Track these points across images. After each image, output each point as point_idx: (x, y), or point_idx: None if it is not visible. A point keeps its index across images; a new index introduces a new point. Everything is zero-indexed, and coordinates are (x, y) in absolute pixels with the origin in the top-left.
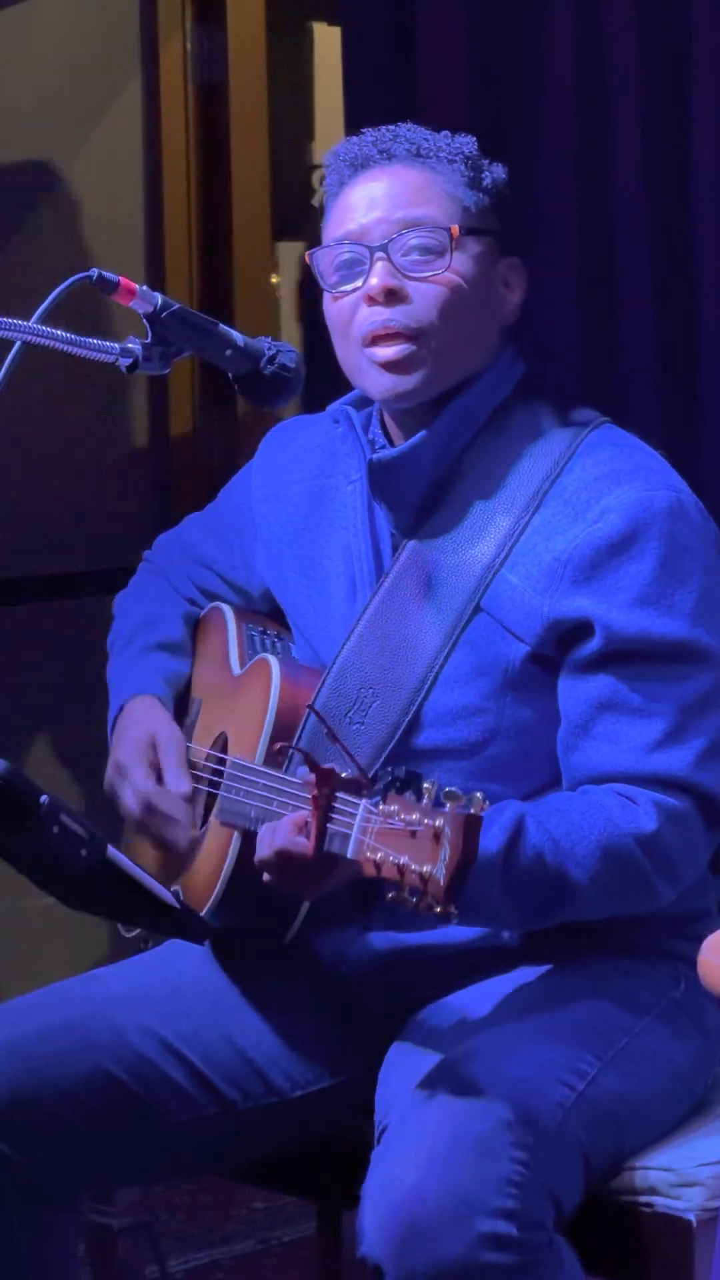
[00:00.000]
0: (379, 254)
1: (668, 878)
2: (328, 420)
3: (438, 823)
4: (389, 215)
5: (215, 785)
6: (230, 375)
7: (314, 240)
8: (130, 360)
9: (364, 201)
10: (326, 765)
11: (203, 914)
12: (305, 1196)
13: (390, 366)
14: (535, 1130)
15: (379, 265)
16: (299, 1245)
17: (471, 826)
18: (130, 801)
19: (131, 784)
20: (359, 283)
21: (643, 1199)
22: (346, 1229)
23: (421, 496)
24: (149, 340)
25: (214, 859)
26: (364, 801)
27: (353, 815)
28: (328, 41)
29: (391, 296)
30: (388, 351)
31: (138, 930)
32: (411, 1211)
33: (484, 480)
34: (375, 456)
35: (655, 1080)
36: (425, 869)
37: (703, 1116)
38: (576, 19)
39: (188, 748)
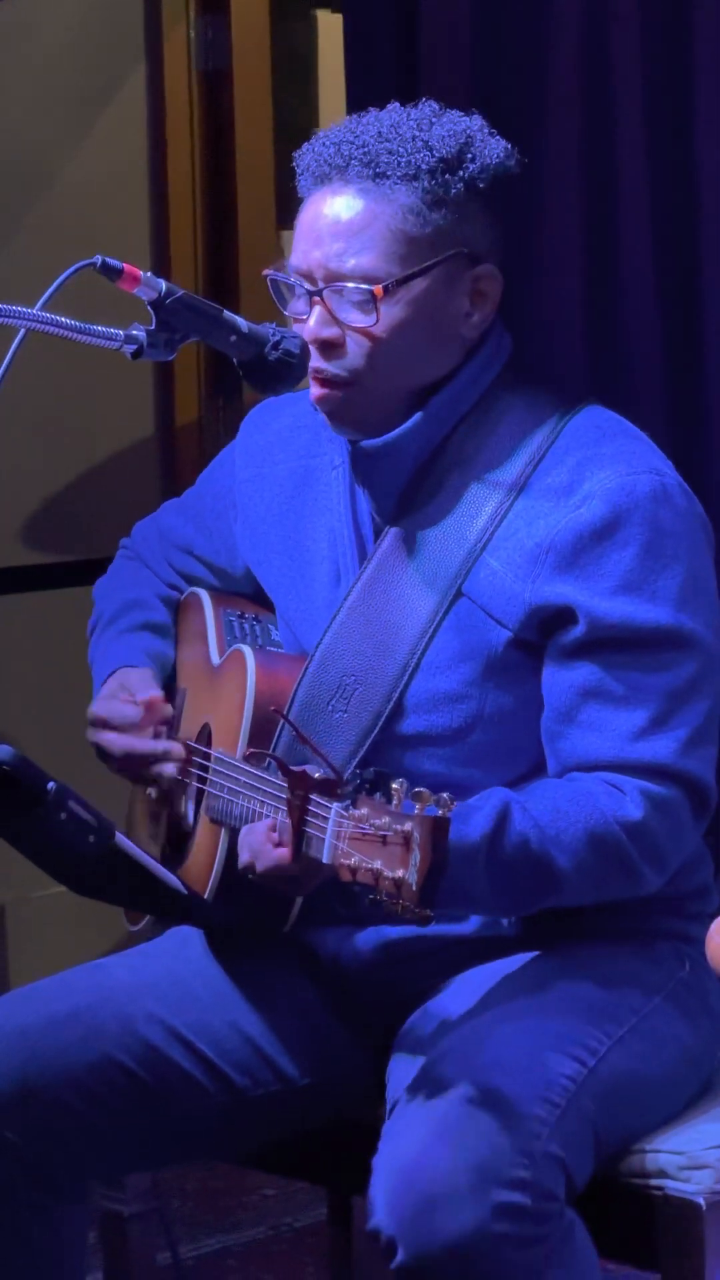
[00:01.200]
0: (315, 297)
1: (654, 865)
2: (310, 400)
3: (406, 827)
4: (325, 260)
5: (203, 780)
6: (235, 361)
7: None
8: (135, 347)
9: (311, 232)
10: (300, 768)
11: None
12: (316, 1182)
13: (322, 404)
14: (546, 1102)
15: (316, 309)
16: (310, 1231)
17: (439, 829)
18: (112, 741)
19: (110, 723)
20: (304, 318)
21: (652, 1182)
22: (357, 1214)
23: (405, 483)
24: (153, 326)
25: (206, 854)
26: (335, 806)
27: (326, 819)
28: (331, 28)
29: (325, 347)
30: (319, 393)
31: (142, 925)
32: (423, 1183)
33: (468, 465)
34: (362, 444)
35: (664, 1061)
36: (398, 874)
37: (711, 1099)
38: (580, 6)
39: (174, 738)
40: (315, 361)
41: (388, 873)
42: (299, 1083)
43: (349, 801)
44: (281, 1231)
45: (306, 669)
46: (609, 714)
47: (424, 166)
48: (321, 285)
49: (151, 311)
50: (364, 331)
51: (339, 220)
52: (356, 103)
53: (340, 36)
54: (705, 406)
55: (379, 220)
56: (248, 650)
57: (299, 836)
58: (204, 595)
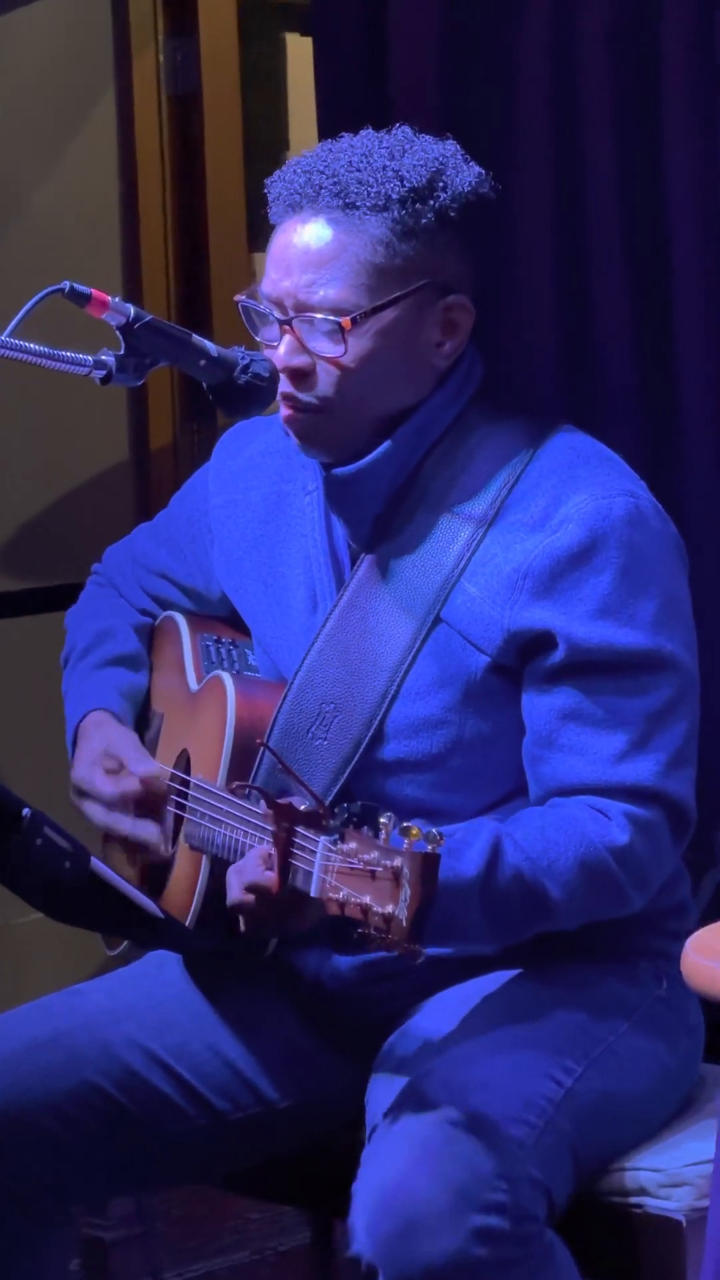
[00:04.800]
0: (285, 326)
1: (639, 887)
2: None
3: (396, 863)
4: (295, 289)
5: (181, 808)
6: (204, 385)
7: None
8: (104, 372)
9: (282, 260)
10: (285, 799)
11: None
12: (298, 1206)
13: (291, 427)
14: (524, 1126)
15: (286, 338)
16: (294, 1255)
17: (429, 865)
18: (95, 812)
19: (94, 795)
20: (276, 345)
21: (633, 1200)
22: (340, 1238)
23: (379, 510)
24: (122, 352)
25: (186, 883)
26: (323, 839)
27: (313, 852)
28: (301, 51)
29: (295, 375)
30: (289, 415)
31: (121, 949)
32: (403, 1208)
33: (442, 490)
34: (335, 472)
35: (642, 1079)
36: (387, 909)
37: (690, 1116)
38: (550, 27)
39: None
40: (285, 387)
41: (377, 908)
42: (279, 1105)
43: (337, 835)
44: (265, 1256)
45: (286, 696)
46: (590, 737)
47: (394, 196)
48: (291, 314)
49: (120, 337)
50: (333, 361)
51: (309, 250)
52: (327, 125)
53: (310, 59)
54: (679, 428)
55: (348, 251)
56: (227, 677)
57: (285, 869)
58: (180, 620)
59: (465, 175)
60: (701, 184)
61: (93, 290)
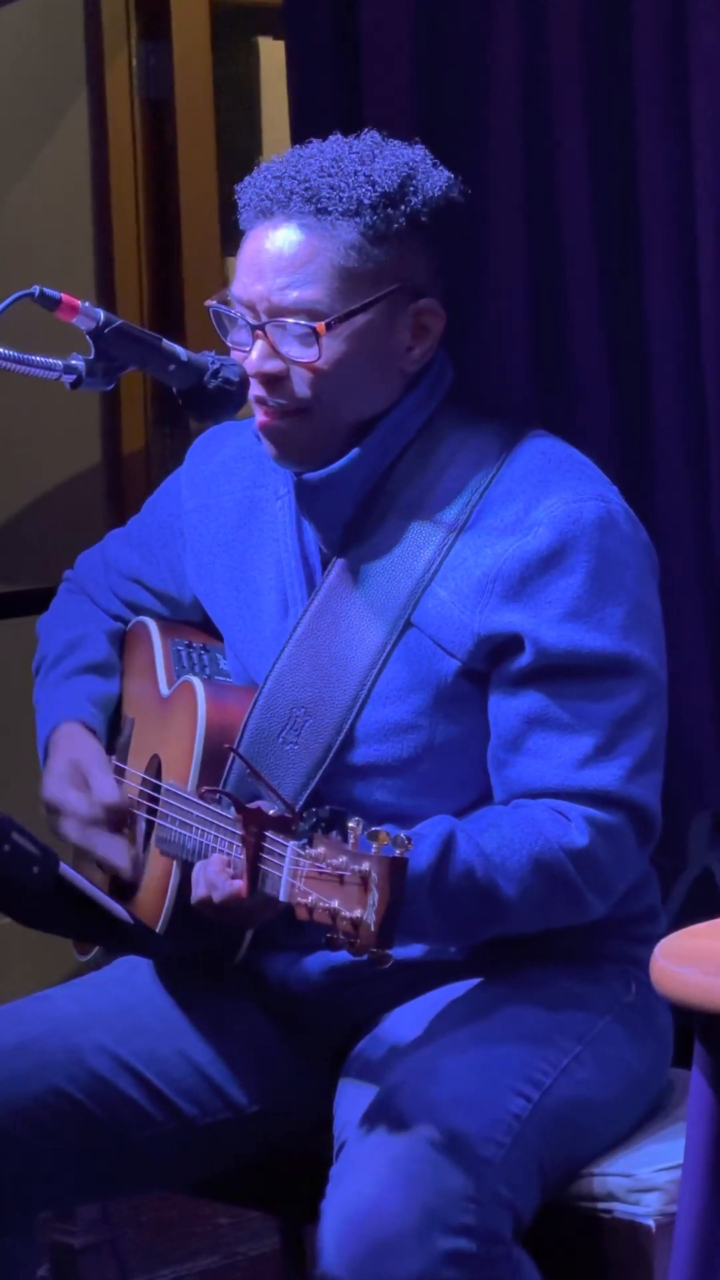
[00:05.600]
0: (258, 331)
1: (599, 891)
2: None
3: (364, 867)
4: (268, 293)
5: (153, 812)
6: (174, 390)
7: None
8: (74, 377)
9: (254, 265)
10: (254, 804)
11: None
12: (267, 1211)
13: (267, 436)
14: (492, 1144)
15: (258, 343)
16: (264, 1260)
17: (397, 870)
18: (69, 829)
19: (68, 812)
20: (247, 350)
21: (602, 1205)
22: (309, 1243)
23: (349, 515)
24: (92, 356)
25: (157, 888)
26: (291, 844)
27: (282, 856)
28: (274, 55)
29: (268, 380)
30: (265, 423)
31: (92, 955)
32: (371, 1229)
33: (413, 494)
34: (306, 477)
35: (611, 1086)
36: (355, 914)
37: (659, 1121)
38: (521, 30)
39: (122, 768)
40: (258, 391)
41: (345, 912)
42: (248, 1110)
43: (305, 840)
44: (235, 1261)
45: (256, 701)
46: (555, 741)
47: (366, 201)
48: (264, 319)
49: (90, 341)
50: (306, 365)
51: (281, 255)
52: (300, 129)
53: (283, 63)
54: (651, 432)
55: (321, 256)
56: (197, 682)
57: (254, 873)
58: (151, 625)
59: (435, 180)
60: (674, 186)
61: (62, 294)
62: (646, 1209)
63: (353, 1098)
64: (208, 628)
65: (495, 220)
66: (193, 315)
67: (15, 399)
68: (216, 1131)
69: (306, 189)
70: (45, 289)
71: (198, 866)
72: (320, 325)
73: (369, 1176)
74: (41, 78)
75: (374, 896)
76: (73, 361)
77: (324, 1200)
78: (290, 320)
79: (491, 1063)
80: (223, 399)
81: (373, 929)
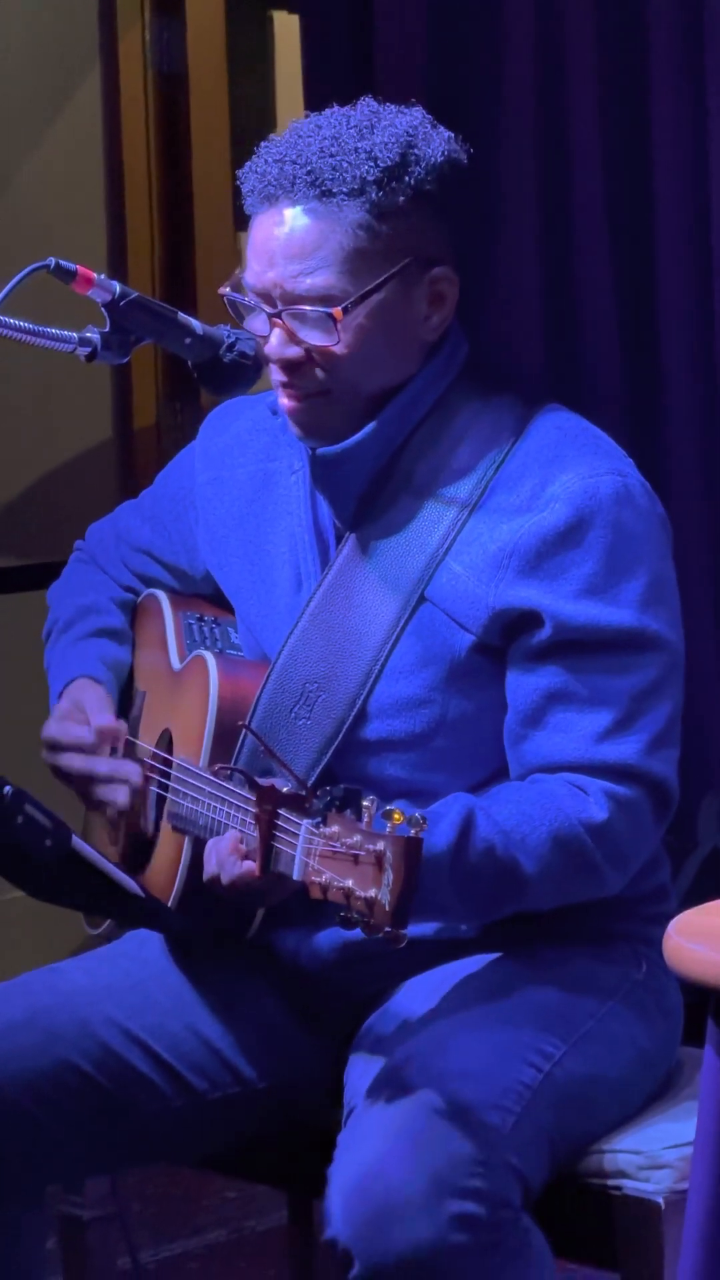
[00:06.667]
0: (275, 318)
1: (617, 866)
2: (274, 408)
3: (379, 846)
4: (281, 280)
5: (164, 788)
6: (189, 363)
7: None
8: (89, 349)
9: (265, 253)
10: (267, 781)
11: None
12: (275, 1185)
13: (293, 419)
14: (501, 1111)
15: (276, 330)
16: (271, 1234)
17: (413, 850)
18: (70, 761)
19: (68, 745)
20: (266, 334)
21: (611, 1182)
22: (318, 1217)
23: (364, 489)
24: (107, 329)
25: (169, 864)
26: (305, 822)
27: (295, 834)
28: (288, 29)
29: (289, 366)
30: (292, 406)
31: (104, 928)
32: (379, 1194)
33: (428, 469)
34: (320, 452)
35: (620, 1063)
36: (370, 894)
37: (669, 1099)
38: (534, 4)
39: (133, 742)
40: (280, 376)
41: (359, 892)
42: (257, 1085)
43: (320, 819)
44: (243, 1234)
45: (269, 676)
46: (573, 716)
47: (369, 179)
48: (280, 307)
49: (105, 314)
50: (326, 350)
51: (291, 242)
52: (313, 102)
53: (297, 37)
54: (663, 405)
55: (331, 240)
56: (210, 656)
57: (267, 852)
58: (162, 597)
59: (435, 144)
60: (687, 155)
61: (78, 267)
62: (657, 1186)
63: (362, 1069)
64: (219, 601)
65: (508, 186)
66: (205, 289)
67: (27, 372)
68: (225, 1106)
69: (309, 172)
70: (61, 261)
71: (210, 843)
72: (337, 311)
73: (376, 1141)
74: (55, 51)
75: (389, 876)
76: (88, 334)
77: (331, 1167)
78: (307, 308)
79: (501, 1037)
80: (238, 372)
81: (387, 909)
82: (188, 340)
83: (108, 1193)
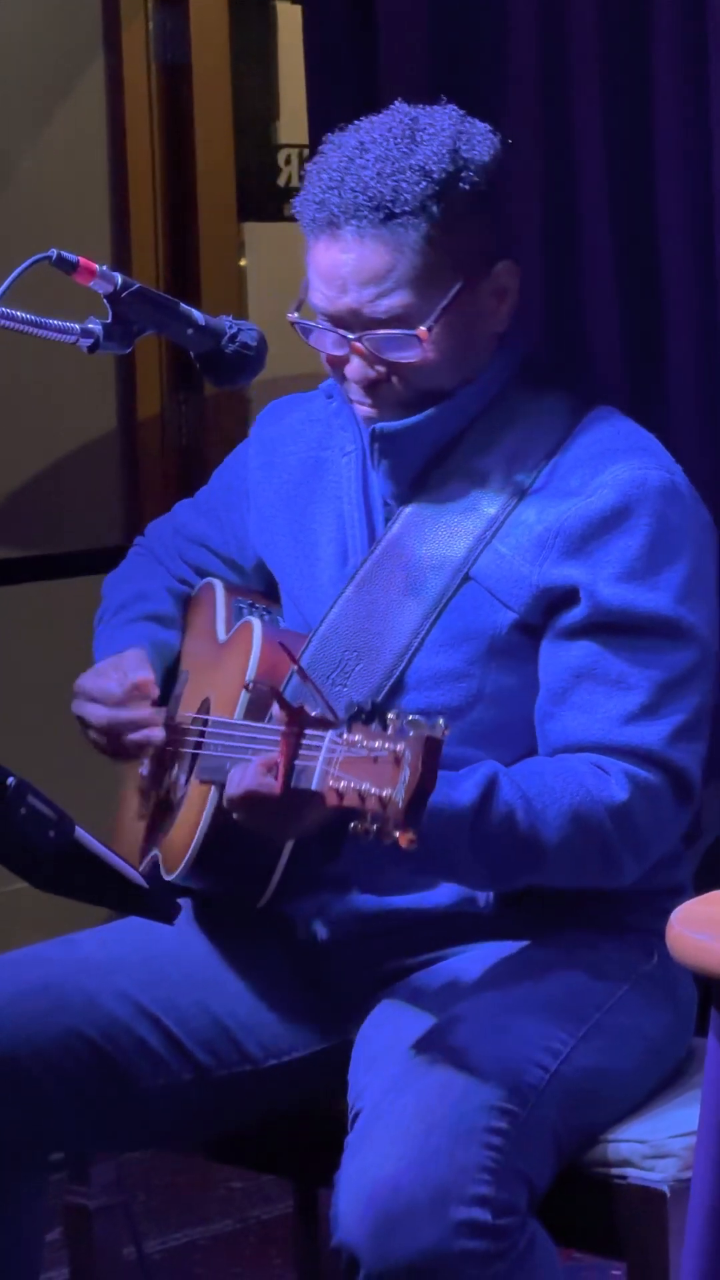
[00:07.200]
0: (355, 342)
1: (634, 852)
2: (322, 396)
3: (399, 746)
4: (358, 306)
5: (199, 747)
6: (192, 354)
7: (279, 220)
8: (91, 340)
9: (335, 278)
10: (299, 704)
11: (176, 875)
12: (281, 1175)
13: (369, 421)
14: (508, 1116)
15: (355, 358)
16: (277, 1224)
17: (431, 747)
18: (97, 712)
19: (99, 696)
20: (340, 354)
21: (616, 1171)
22: (323, 1207)
23: (420, 467)
24: (109, 320)
25: (190, 820)
26: (330, 733)
27: (319, 749)
28: (291, 19)
29: (372, 385)
30: (368, 412)
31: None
32: (386, 1200)
33: (482, 457)
34: (379, 426)
35: (628, 1055)
36: (385, 792)
37: (675, 1088)
38: None
39: (172, 718)
40: (359, 396)
41: (375, 790)
42: (264, 1064)
43: (344, 729)
44: (248, 1224)
45: (310, 641)
46: (601, 697)
47: (428, 195)
48: (359, 333)
49: (108, 305)
50: (411, 365)
51: (362, 267)
52: (316, 93)
53: (299, 27)
54: (666, 397)
55: (401, 261)
56: (256, 621)
57: (289, 769)
58: (218, 585)
59: (478, 142)
60: (691, 150)
61: (79, 258)
62: (662, 1175)
63: (368, 1065)
64: (272, 594)
65: (511, 188)
66: (209, 279)
67: (30, 364)
68: (233, 1085)
69: (370, 197)
70: (63, 252)
71: (235, 769)
72: (422, 331)
73: (384, 1148)
74: (58, 41)
75: (405, 773)
76: (90, 325)
77: (339, 1172)
78: (389, 331)
79: (508, 1034)
80: (241, 363)
81: (400, 805)
82: (190, 331)
83: (113, 1182)
